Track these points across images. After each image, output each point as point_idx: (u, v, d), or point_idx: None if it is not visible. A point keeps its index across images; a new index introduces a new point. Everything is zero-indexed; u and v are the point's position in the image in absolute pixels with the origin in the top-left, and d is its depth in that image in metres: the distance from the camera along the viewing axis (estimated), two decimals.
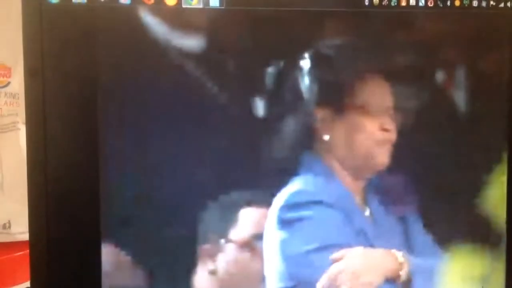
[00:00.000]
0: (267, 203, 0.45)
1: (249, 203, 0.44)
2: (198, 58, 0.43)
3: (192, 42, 0.43)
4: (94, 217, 0.43)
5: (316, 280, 0.44)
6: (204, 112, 0.44)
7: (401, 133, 0.45)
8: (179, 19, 0.43)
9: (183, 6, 0.43)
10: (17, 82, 0.63)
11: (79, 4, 0.42)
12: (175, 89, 0.43)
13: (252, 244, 0.45)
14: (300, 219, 0.45)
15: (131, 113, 0.43)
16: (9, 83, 0.64)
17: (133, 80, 0.43)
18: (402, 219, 0.46)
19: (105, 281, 0.43)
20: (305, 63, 0.44)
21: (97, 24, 0.42)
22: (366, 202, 0.46)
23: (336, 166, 0.46)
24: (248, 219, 0.45)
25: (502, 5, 0.45)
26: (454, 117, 0.46)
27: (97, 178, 0.43)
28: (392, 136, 0.45)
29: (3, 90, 0.64)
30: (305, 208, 0.45)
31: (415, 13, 0.45)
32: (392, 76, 0.45)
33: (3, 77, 0.64)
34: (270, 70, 0.44)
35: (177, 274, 0.44)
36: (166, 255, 0.44)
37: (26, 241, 0.43)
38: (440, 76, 0.46)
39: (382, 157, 0.45)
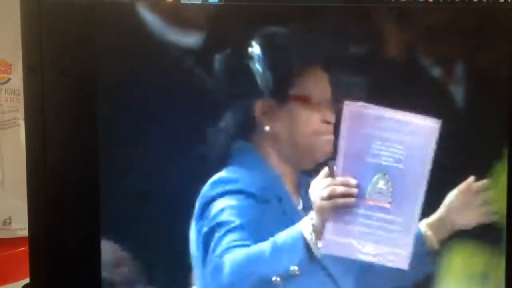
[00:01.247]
0: None
1: None
2: (197, 53, 0.43)
3: (191, 38, 0.43)
4: (93, 213, 0.43)
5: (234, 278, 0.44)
6: (203, 108, 0.44)
7: None
8: (178, 15, 0.43)
9: (182, 1, 0.43)
10: (18, 79, 0.63)
11: (78, 0, 0.42)
12: (174, 85, 0.43)
13: None
14: (219, 209, 0.44)
15: (130, 109, 0.43)
16: (9, 79, 0.64)
17: (132, 76, 0.43)
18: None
19: (104, 277, 0.44)
20: (241, 54, 0.44)
21: (95, 20, 0.42)
22: (299, 196, 0.46)
23: (273, 157, 0.45)
24: None
25: (502, 0, 0.45)
26: (454, 113, 0.46)
27: (96, 174, 0.43)
28: (333, 128, 0.45)
29: (3, 86, 0.64)
30: (224, 197, 0.44)
31: (415, 8, 0.44)
32: (335, 69, 0.45)
33: (3, 73, 0.64)
34: (218, 58, 0.43)
35: (176, 270, 0.44)
36: (164, 251, 0.44)
37: (27, 237, 0.44)
38: (439, 71, 0.45)
39: (323, 149, 0.45)
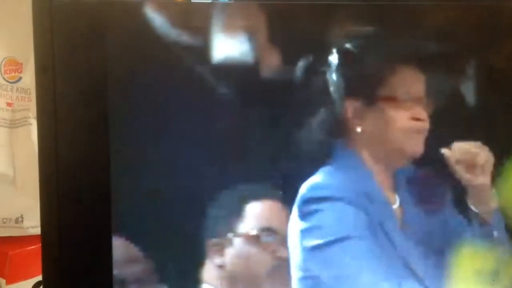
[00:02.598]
0: (275, 196, 0.45)
1: (256, 197, 0.45)
2: (209, 53, 0.43)
3: (202, 37, 0.43)
4: (105, 211, 0.43)
5: (329, 274, 0.45)
6: (215, 106, 0.44)
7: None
8: (189, 14, 0.43)
9: (192, 0, 0.43)
10: (29, 78, 0.64)
11: (89, 0, 0.42)
12: (184, 84, 0.44)
13: (260, 238, 0.45)
14: (316, 212, 0.45)
15: (140, 108, 0.43)
16: (20, 78, 0.64)
17: (143, 76, 0.43)
18: (433, 210, 0.46)
19: (116, 274, 0.44)
20: (331, 56, 0.44)
21: (106, 20, 0.42)
22: (396, 193, 0.46)
23: (367, 157, 0.46)
24: (255, 212, 0.45)
25: None
26: (465, 109, 0.46)
27: (107, 173, 0.43)
28: (425, 125, 0.45)
29: (15, 85, 0.64)
30: (323, 202, 0.45)
31: (432, 5, 0.44)
32: (423, 66, 0.45)
33: (14, 72, 0.64)
34: (301, 62, 0.44)
35: (186, 268, 0.44)
36: (175, 249, 0.44)
37: (38, 235, 0.44)
38: (452, 67, 0.45)
39: (416, 146, 0.45)
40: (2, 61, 0.63)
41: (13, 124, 0.64)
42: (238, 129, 0.44)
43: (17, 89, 0.64)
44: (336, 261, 0.45)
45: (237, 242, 0.45)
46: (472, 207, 0.46)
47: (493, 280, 0.46)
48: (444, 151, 0.45)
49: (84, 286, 0.44)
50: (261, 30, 0.43)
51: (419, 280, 0.45)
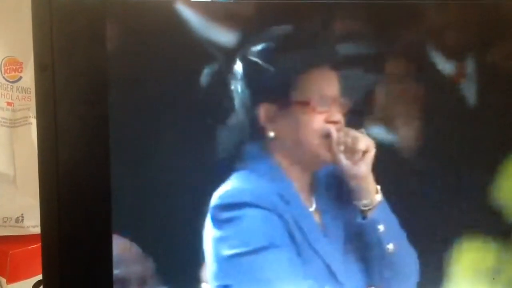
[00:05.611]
0: None
1: None
2: (209, 51, 0.43)
3: (202, 36, 0.43)
4: (105, 210, 0.43)
5: (245, 283, 0.44)
6: (209, 108, 0.44)
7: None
8: (190, 13, 0.43)
9: None
10: (29, 77, 0.64)
11: None
12: (185, 82, 0.44)
13: None
14: (231, 220, 0.44)
15: (141, 107, 0.43)
16: (21, 77, 0.64)
17: (143, 74, 0.43)
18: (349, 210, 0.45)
19: (116, 273, 0.44)
20: (242, 58, 0.43)
21: (106, 18, 0.42)
22: (313, 195, 0.46)
23: (283, 160, 0.45)
24: None
25: None
26: (465, 108, 0.46)
27: (108, 172, 0.43)
28: (340, 127, 0.44)
29: (15, 84, 0.64)
30: (237, 209, 0.44)
31: (425, 5, 0.44)
32: (338, 67, 0.44)
33: (15, 72, 0.64)
34: (212, 65, 0.43)
35: (186, 267, 0.45)
36: (175, 248, 0.44)
37: (39, 234, 0.44)
38: (450, 67, 0.45)
39: (329, 149, 0.44)
40: (2, 61, 0.63)
41: (13, 124, 0.64)
42: (235, 128, 0.44)
43: (18, 89, 0.64)
44: (253, 271, 0.44)
45: None
46: (355, 202, 0.45)
47: (493, 278, 0.46)
48: (331, 129, 0.44)
49: (84, 286, 0.44)
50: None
51: (340, 284, 0.45)
